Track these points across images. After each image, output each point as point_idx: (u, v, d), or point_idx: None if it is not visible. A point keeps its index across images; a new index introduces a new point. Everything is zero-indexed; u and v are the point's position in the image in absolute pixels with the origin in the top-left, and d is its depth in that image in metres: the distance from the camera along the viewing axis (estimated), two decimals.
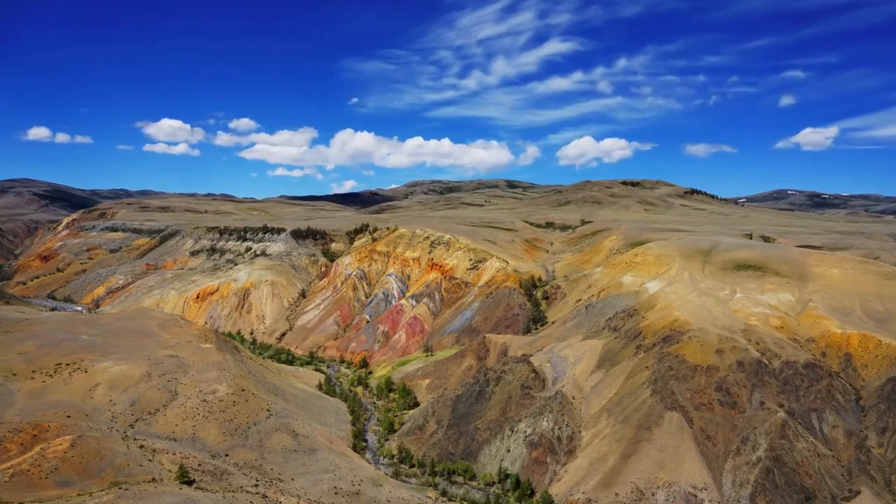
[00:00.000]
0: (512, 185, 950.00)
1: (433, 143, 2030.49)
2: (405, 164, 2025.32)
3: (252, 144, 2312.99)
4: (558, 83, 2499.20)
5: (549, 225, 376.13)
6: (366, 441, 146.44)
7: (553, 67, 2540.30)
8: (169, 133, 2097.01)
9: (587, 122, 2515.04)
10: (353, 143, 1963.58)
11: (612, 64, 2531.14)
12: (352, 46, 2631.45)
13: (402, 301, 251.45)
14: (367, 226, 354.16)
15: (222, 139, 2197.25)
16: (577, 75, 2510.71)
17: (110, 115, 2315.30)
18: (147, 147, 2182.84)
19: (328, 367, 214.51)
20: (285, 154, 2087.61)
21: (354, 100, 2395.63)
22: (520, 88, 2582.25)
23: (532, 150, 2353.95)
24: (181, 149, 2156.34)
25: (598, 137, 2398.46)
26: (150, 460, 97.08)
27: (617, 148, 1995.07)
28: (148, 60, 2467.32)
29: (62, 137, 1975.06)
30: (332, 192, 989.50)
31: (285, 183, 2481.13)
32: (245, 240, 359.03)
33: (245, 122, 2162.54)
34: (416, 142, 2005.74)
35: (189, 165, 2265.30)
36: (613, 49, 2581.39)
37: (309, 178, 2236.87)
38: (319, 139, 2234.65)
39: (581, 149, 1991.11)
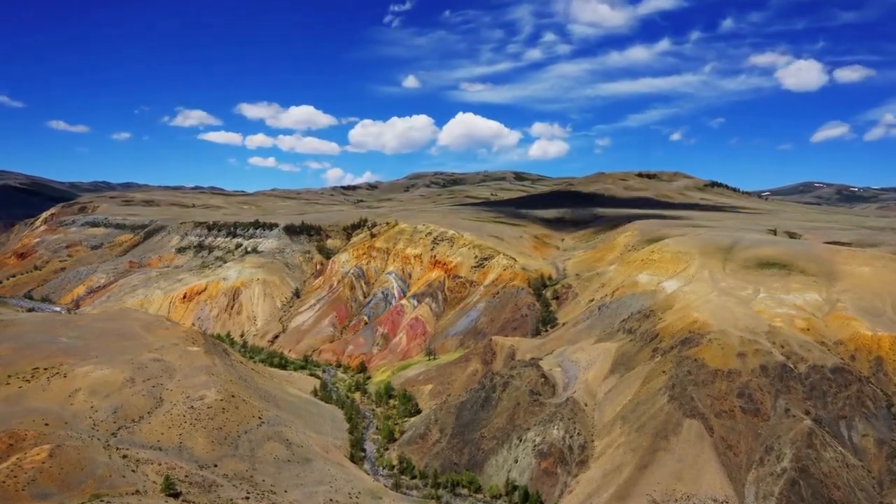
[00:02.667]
0: (520, 177, 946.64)
1: (485, 125, 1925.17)
2: (462, 152, 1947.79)
3: (275, 133, 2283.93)
4: (638, 53, 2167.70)
5: (560, 220, 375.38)
6: (364, 450, 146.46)
7: (643, 31, 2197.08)
8: (197, 120, 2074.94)
9: (670, 100, 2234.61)
10: (410, 130, 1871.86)
11: (715, 27, 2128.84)
12: (411, 12, 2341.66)
13: (403, 301, 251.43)
14: (366, 221, 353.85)
15: (239, 127, 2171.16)
16: (664, 44, 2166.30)
17: (109, 105, 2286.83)
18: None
19: (324, 371, 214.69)
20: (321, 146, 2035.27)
21: (408, 80, 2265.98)
22: (592, 59, 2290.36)
23: (605, 134, 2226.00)
24: (204, 137, 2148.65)
25: (677, 120, 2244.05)
26: (133, 471, 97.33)
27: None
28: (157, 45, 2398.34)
29: (81, 128, 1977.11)
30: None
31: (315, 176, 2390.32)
32: (235, 236, 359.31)
33: (264, 110, 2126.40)
34: (470, 123, 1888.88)
35: (205, 156, 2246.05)
36: (723, 5, 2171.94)
37: (348, 168, 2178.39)
38: (360, 127, 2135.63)
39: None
